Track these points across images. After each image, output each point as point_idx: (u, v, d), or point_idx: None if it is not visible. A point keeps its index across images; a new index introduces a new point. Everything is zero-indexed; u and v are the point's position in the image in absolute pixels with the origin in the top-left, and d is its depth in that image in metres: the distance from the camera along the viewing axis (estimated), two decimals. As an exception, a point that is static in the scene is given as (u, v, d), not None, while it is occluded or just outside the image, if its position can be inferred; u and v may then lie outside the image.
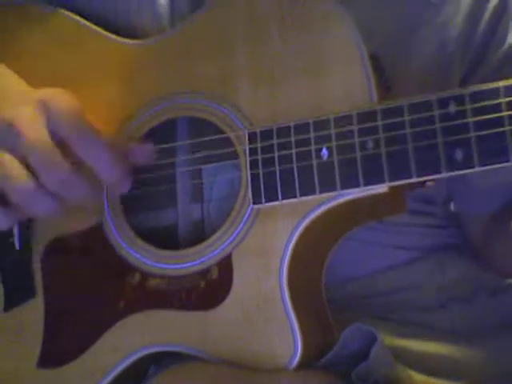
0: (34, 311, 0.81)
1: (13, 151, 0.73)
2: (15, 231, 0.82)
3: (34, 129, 0.72)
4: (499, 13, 0.83)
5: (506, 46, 0.83)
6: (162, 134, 0.81)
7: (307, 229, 0.72)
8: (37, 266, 0.82)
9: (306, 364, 0.72)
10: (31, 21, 0.87)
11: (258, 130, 0.74)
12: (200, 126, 0.79)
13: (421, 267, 0.87)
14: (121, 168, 0.75)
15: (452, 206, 0.91)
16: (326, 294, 0.77)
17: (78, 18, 0.85)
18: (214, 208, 0.81)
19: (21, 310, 0.82)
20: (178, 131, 0.82)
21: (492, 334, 0.85)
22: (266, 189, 0.73)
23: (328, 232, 0.76)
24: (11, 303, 0.83)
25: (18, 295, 0.82)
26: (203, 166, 0.80)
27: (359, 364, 0.71)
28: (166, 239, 0.81)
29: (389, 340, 0.78)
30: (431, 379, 0.74)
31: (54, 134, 0.73)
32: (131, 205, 0.81)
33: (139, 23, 0.84)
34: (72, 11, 0.86)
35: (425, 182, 0.75)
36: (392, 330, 0.81)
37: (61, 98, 0.74)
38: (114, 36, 0.83)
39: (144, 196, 0.81)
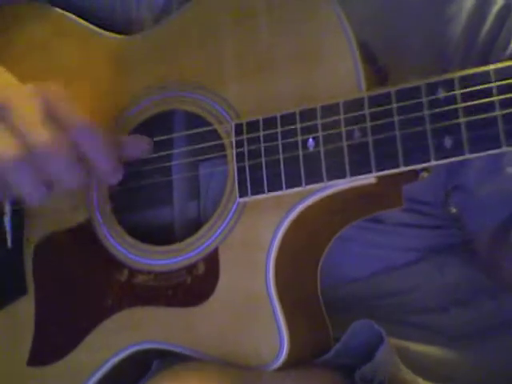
0: (25, 309, 0.81)
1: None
2: (7, 228, 0.82)
3: (28, 104, 0.71)
4: (503, 16, 0.79)
5: (509, 49, 0.79)
6: (158, 127, 0.80)
7: (294, 223, 0.70)
8: (28, 264, 0.82)
9: (294, 363, 0.70)
10: (23, 17, 0.87)
11: (244, 122, 0.73)
12: (196, 120, 0.78)
13: (420, 269, 0.84)
14: (115, 157, 0.74)
15: (453, 209, 0.87)
16: (324, 296, 0.75)
17: (68, 13, 0.86)
18: (210, 205, 0.80)
19: (12, 307, 0.82)
20: (174, 125, 0.81)
21: (492, 336, 0.82)
22: (252, 181, 0.72)
23: (319, 228, 0.74)
24: (2, 301, 0.82)
25: (10, 293, 0.82)
26: (193, 159, 0.78)
27: (362, 364, 0.69)
28: (162, 237, 0.80)
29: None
30: None
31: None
32: (126, 201, 0.80)
33: (137, 16, 0.84)
34: (69, 5, 0.86)
35: (418, 173, 0.72)
36: (391, 332, 0.78)
37: (55, 87, 0.73)
38: (103, 31, 0.84)
39: (138, 193, 0.80)
